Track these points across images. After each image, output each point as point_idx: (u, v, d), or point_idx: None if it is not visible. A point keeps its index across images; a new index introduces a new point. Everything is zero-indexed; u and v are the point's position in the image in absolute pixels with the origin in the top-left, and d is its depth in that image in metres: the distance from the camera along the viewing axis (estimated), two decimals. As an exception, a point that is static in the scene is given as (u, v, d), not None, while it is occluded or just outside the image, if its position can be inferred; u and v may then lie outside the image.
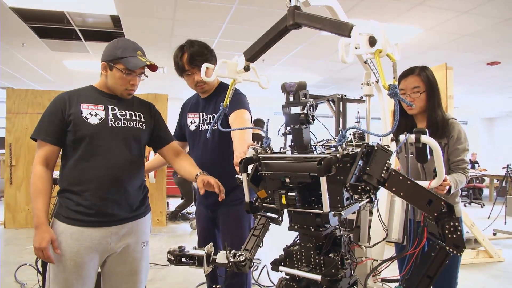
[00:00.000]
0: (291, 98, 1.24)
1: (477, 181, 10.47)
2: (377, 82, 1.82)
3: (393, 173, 1.11)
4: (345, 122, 6.13)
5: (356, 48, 1.06)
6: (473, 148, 12.35)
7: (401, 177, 1.12)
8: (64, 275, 1.70)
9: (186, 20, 4.94)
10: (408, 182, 1.12)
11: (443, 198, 1.12)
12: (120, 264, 1.83)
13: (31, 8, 4.60)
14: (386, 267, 1.43)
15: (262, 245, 1.43)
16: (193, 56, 2.14)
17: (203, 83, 2.20)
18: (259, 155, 1.29)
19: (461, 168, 1.97)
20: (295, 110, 1.24)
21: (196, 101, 2.41)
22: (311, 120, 1.23)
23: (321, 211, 1.13)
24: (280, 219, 1.37)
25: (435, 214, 1.11)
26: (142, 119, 1.89)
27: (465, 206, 9.34)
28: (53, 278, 1.73)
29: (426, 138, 1.59)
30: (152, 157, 6.50)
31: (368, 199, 1.23)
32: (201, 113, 2.32)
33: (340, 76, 8.04)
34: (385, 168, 1.11)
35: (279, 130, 1.36)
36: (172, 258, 1.44)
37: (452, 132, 2.00)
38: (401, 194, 1.13)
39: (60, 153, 1.82)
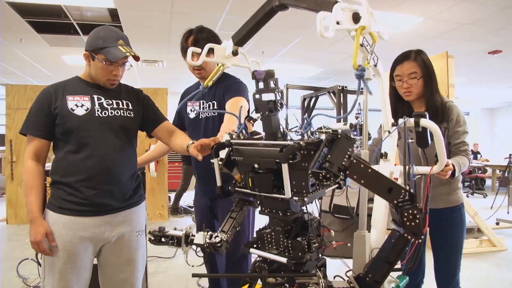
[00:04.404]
0: (261, 86, 1.25)
1: (480, 171, 10.43)
2: (375, 65, 1.79)
3: (355, 161, 1.13)
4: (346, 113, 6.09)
5: (338, 23, 1.04)
6: (474, 139, 12.35)
7: (362, 165, 1.14)
8: (59, 266, 1.70)
9: (183, 13, 4.89)
10: (369, 170, 1.13)
11: (403, 186, 1.13)
12: (116, 254, 1.82)
13: (28, 2, 4.56)
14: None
15: (239, 227, 1.47)
16: (198, 40, 2.17)
17: (201, 69, 2.22)
18: (231, 141, 1.32)
19: (462, 151, 1.94)
20: (267, 97, 1.24)
21: (195, 89, 2.41)
22: (279, 107, 1.25)
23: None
24: (258, 202, 1.38)
25: (395, 202, 1.12)
26: (130, 107, 1.87)
27: (467, 196, 9.32)
28: (48, 269, 1.73)
29: (426, 122, 1.57)
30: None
31: (337, 185, 1.25)
32: (201, 101, 2.33)
33: (340, 68, 7.99)
34: (347, 156, 1.13)
35: (246, 117, 1.40)
36: (152, 238, 1.49)
37: (451, 115, 1.98)
38: (362, 182, 1.14)
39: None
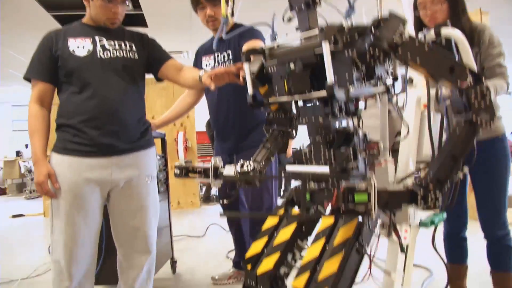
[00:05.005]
0: None
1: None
2: None
3: (408, 39, 0.99)
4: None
5: None
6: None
7: (417, 43, 0.99)
8: (65, 208, 1.67)
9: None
10: (426, 47, 0.98)
11: (467, 65, 0.99)
12: (125, 199, 1.78)
13: (50, -6, 4.67)
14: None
15: (274, 158, 1.36)
16: None
17: (214, 19, 2.22)
18: (264, 48, 1.19)
19: (498, 74, 1.75)
20: None
21: (210, 44, 2.41)
22: (318, 2, 1.09)
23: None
24: (294, 132, 1.30)
25: (459, 83, 0.97)
26: (134, 49, 1.84)
27: None
28: (55, 213, 1.71)
29: (447, 30, 1.41)
30: (180, 141, 6.39)
31: (385, 87, 1.09)
32: (216, 54, 2.31)
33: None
34: (399, 33, 0.99)
35: (283, 16, 1.20)
36: (178, 172, 1.40)
37: (483, 37, 1.79)
38: (418, 59, 0.99)
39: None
